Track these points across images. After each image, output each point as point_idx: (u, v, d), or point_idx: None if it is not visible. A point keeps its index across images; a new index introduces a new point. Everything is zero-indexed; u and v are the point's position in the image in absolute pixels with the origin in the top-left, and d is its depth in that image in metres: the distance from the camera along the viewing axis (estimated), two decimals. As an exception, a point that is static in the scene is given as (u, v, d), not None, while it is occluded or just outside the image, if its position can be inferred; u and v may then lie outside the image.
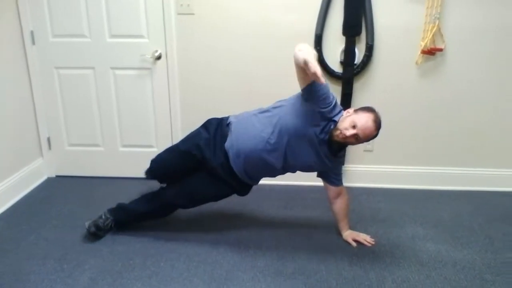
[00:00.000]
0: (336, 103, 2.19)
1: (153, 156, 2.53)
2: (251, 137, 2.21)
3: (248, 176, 2.32)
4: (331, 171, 2.38)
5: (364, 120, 2.07)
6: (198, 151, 2.31)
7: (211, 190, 2.37)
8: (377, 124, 2.11)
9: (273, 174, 2.36)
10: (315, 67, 1.86)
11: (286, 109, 2.20)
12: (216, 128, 2.35)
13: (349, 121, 2.08)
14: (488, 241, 2.52)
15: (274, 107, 2.26)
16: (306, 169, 2.35)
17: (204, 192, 2.38)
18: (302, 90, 2.14)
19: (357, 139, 2.10)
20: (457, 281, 2.15)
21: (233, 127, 2.29)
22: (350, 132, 2.07)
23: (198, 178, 2.38)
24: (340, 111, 2.20)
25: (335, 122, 2.14)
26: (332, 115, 2.16)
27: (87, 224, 2.46)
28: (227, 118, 2.39)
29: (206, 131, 2.37)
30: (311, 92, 2.10)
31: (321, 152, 2.21)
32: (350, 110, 2.20)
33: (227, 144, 2.27)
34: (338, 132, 2.11)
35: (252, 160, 2.23)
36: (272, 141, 2.17)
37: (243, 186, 2.40)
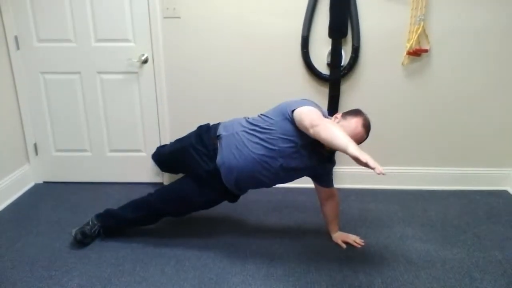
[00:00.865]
0: (324, 113, 2.16)
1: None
2: (244, 157, 2.17)
3: (238, 189, 2.31)
4: (324, 173, 2.39)
5: (353, 126, 2.08)
6: (187, 153, 2.34)
7: (200, 197, 2.34)
8: (367, 128, 2.12)
9: (265, 187, 2.35)
10: (373, 162, 1.83)
11: (276, 132, 2.15)
12: (206, 136, 2.34)
13: None
14: (476, 240, 2.54)
15: (264, 128, 2.18)
16: (299, 177, 2.35)
17: (193, 200, 2.35)
18: (298, 125, 2.09)
19: None
20: (446, 280, 2.16)
21: (223, 143, 2.25)
22: None
23: (186, 186, 2.37)
24: (325, 117, 2.16)
25: None
26: None
27: (73, 231, 2.43)
28: (216, 127, 2.36)
29: (195, 138, 2.38)
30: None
31: (314, 162, 2.21)
32: (338, 116, 2.19)
33: (218, 161, 2.23)
34: None
35: (245, 177, 2.22)
36: (265, 164, 2.16)
37: (231, 194, 2.38)
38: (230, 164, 2.20)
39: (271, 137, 2.14)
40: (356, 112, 2.16)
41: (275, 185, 2.35)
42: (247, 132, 2.22)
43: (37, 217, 2.80)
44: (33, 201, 3.04)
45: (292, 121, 2.11)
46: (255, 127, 2.22)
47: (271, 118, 2.20)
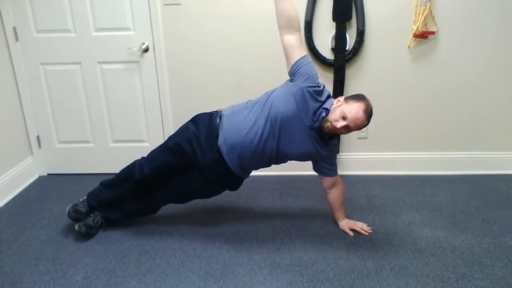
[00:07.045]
0: (323, 87, 2.15)
1: (146, 150, 2.47)
2: (245, 128, 2.14)
3: (242, 168, 2.27)
4: (325, 160, 2.34)
5: (354, 111, 2.03)
6: (189, 145, 2.23)
7: (203, 189, 2.35)
8: (368, 114, 2.07)
9: (267, 164, 2.31)
10: None
11: (276, 96, 2.15)
12: (207, 124, 2.26)
13: (339, 112, 2.04)
14: (486, 225, 2.50)
15: (264, 98, 2.20)
16: (300, 157, 2.29)
17: (196, 192, 2.38)
18: (289, 67, 2.14)
19: (348, 129, 2.08)
20: (455, 267, 2.13)
21: (224, 122, 2.22)
22: (340, 124, 2.04)
23: (189, 179, 2.31)
24: (329, 97, 2.16)
25: (326, 110, 2.10)
26: (321, 98, 2.12)
27: (77, 226, 2.41)
28: (216, 112, 2.31)
29: (194, 126, 2.29)
30: (297, 66, 2.10)
31: (313, 139, 2.17)
32: (341, 99, 2.15)
33: (220, 141, 2.19)
34: (328, 123, 2.08)
35: (247, 151, 2.17)
36: (265, 130, 2.12)
37: (235, 180, 2.36)
38: (231, 140, 2.16)
39: (270, 101, 2.15)
40: (359, 97, 2.12)
41: (278, 163, 2.30)
42: (247, 107, 2.21)
43: (41, 209, 2.79)
44: (37, 194, 3.03)
45: (290, 74, 2.15)
46: (255, 100, 2.24)
47: (271, 90, 2.22)
